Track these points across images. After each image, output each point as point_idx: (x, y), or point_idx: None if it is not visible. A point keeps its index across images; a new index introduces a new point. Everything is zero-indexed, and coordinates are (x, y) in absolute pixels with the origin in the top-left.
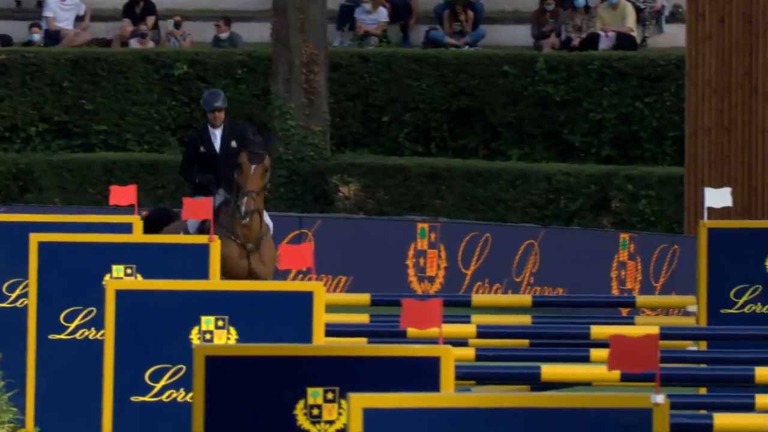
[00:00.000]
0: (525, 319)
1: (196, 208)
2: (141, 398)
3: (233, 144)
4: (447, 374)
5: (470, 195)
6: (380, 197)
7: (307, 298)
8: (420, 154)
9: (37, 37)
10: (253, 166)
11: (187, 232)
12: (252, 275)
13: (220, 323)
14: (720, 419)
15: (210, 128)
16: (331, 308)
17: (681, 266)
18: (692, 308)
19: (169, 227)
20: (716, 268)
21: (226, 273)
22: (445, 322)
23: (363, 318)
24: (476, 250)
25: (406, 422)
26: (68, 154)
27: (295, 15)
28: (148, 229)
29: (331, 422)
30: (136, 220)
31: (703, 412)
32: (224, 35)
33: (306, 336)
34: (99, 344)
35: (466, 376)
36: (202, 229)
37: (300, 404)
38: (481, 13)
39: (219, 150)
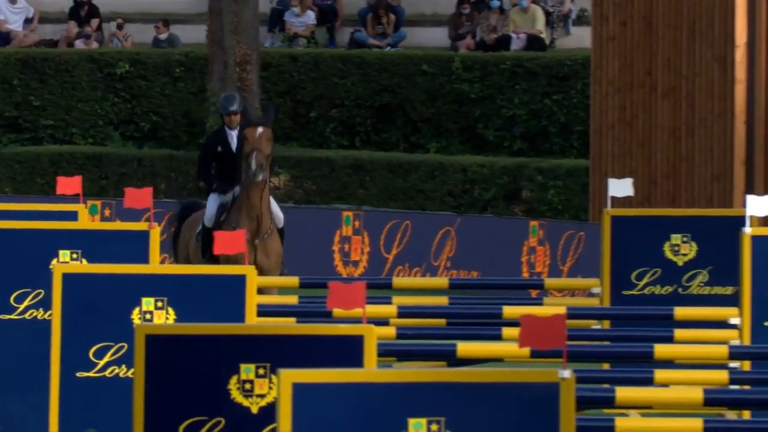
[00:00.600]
0: (442, 300)
1: (137, 197)
2: (86, 374)
3: None
4: (370, 351)
5: (392, 185)
6: (308, 187)
7: (239, 281)
8: (345, 148)
9: None
10: (258, 130)
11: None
12: (258, 267)
13: (160, 304)
14: (622, 393)
15: (227, 129)
16: (263, 290)
17: (586, 251)
18: (596, 290)
19: (191, 217)
20: (618, 253)
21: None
22: (368, 303)
23: (292, 299)
24: (397, 236)
25: (332, 396)
26: (18, 147)
27: (229, 18)
28: (180, 217)
29: (262, 396)
30: (81, 209)
31: (606, 386)
32: (163, 36)
33: (239, 316)
34: (47, 324)
35: (387, 353)
36: (218, 222)
37: (233, 379)
38: (402, 16)
39: (236, 149)
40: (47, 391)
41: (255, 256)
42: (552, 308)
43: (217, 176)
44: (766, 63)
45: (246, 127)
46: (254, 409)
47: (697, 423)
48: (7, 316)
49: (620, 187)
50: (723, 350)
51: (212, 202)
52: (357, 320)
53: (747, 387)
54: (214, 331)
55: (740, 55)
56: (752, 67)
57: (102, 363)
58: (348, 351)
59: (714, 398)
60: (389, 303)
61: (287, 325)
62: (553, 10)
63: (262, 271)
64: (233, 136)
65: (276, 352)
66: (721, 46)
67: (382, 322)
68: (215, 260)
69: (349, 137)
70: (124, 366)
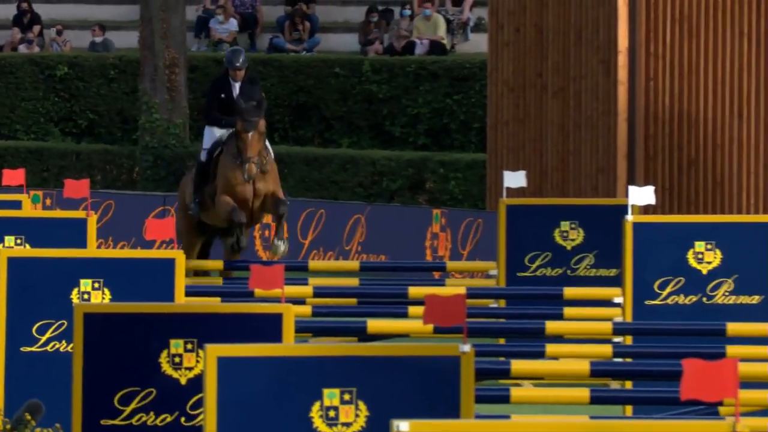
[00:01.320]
0: (353, 282)
1: (75, 188)
2: (29, 349)
3: (249, 92)
4: (288, 328)
5: (307, 177)
6: None
7: (169, 264)
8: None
9: None
10: (249, 134)
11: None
12: (257, 195)
13: (96, 285)
14: (516, 365)
15: (230, 80)
16: (190, 272)
17: (484, 237)
18: (493, 272)
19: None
20: (513, 239)
21: (234, 197)
22: (287, 284)
23: (217, 281)
24: (312, 223)
25: (253, 368)
26: None
27: (159, 24)
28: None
29: (190, 368)
30: (25, 198)
31: (502, 359)
32: (99, 40)
33: (169, 296)
34: None
35: (304, 329)
36: (212, 157)
37: (164, 353)
38: (316, 23)
39: (237, 96)
40: None
41: (254, 186)
42: (453, 289)
43: (221, 124)
44: (645, 67)
45: (242, 124)
46: (183, 381)
47: (584, 392)
48: None
49: (514, 179)
50: (607, 326)
51: (207, 137)
52: (276, 300)
53: (629, 359)
54: (146, 310)
55: (622, 59)
56: (633, 70)
57: (44, 339)
58: (268, 327)
59: (599, 370)
60: (305, 284)
61: (213, 304)
62: (453, 18)
63: (264, 195)
64: (236, 86)
65: (202, 329)
66: (605, 52)
67: (299, 301)
68: (204, 197)
69: (269, 133)
70: (64, 341)
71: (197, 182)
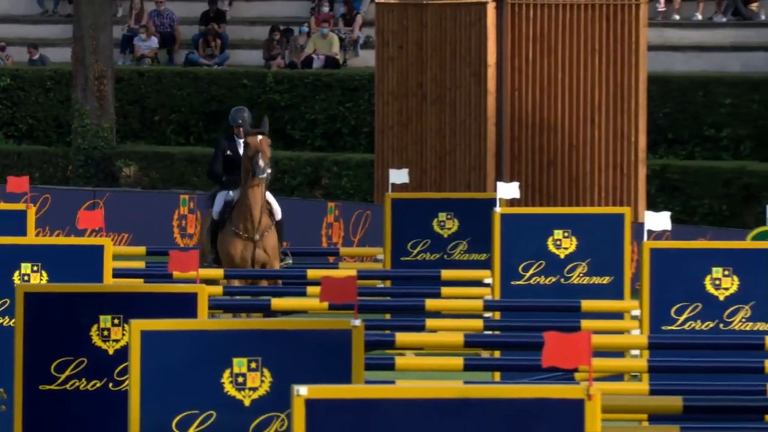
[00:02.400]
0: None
1: (17, 184)
2: None
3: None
4: (203, 305)
5: None
6: (153, 176)
7: (99, 250)
8: (182, 144)
9: None
10: (258, 137)
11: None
12: (255, 263)
13: (35, 268)
14: (400, 337)
15: (235, 138)
16: (117, 257)
17: (372, 226)
18: (380, 257)
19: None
20: (397, 228)
21: (233, 265)
22: (202, 266)
23: (140, 264)
24: None
25: (172, 340)
26: None
27: (89, 42)
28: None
29: (117, 340)
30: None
31: (387, 332)
32: (36, 57)
33: (98, 277)
34: None
35: (216, 306)
36: (224, 218)
37: (94, 328)
38: (227, 40)
39: (242, 155)
40: None
41: (254, 251)
42: (345, 271)
43: (225, 175)
44: (511, 79)
45: (247, 135)
46: (110, 351)
47: (459, 361)
48: None
49: (398, 176)
50: (479, 304)
51: (220, 198)
52: (192, 281)
53: (497, 332)
54: (78, 289)
55: (491, 72)
56: (500, 82)
57: None
58: (185, 305)
59: (472, 341)
60: (218, 266)
61: (137, 285)
62: (346, 37)
63: (262, 265)
64: (240, 143)
65: (128, 306)
66: (476, 66)
67: (212, 282)
68: (218, 254)
69: (185, 136)
70: (7, 317)
71: (212, 239)
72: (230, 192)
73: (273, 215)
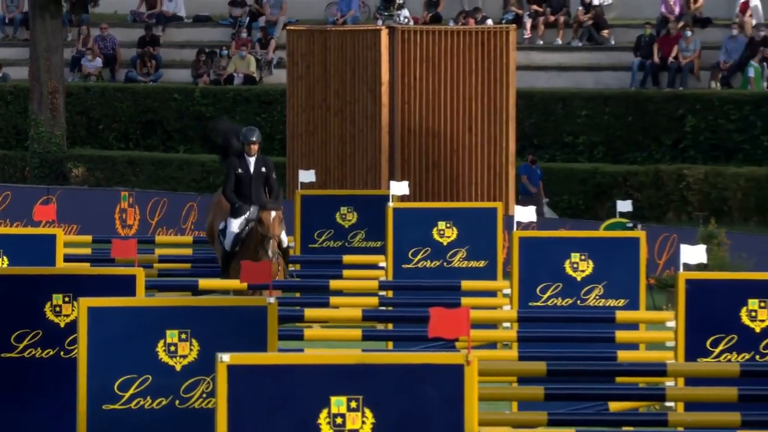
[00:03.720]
0: (188, 251)
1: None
2: None
3: (263, 169)
4: (140, 286)
5: (154, 175)
6: (98, 176)
7: (52, 238)
8: (122, 149)
9: None
10: (272, 216)
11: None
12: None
13: None
14: (308, 312)
15: (246, 156)
16: (67, 245)
17: (284, 219)
18: (291, 244)
19: (217, 197)
20: (305, 220)
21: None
22: (139, 253)
23: (87, 250)
24: (158, 208)
25: (114, 315)
26: None
27: (44, 62)
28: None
29: (67, 315)
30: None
31: (297, 308)
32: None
33: (52, 262)
34: None
35: (152, 286)
36: (234, 251)
37: (48, 304)
38: (161, 61)
39: (252, 173)
40: None
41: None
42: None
43: (236, 193)
44: (401, 94)
45: (262, 209)
46: (62, 324)
47: (358, 332)
48: None
49: (307, 176)
50: (375, 284)
51: (232, 227)
52: (131, 264)
53: (390, 308)
54: (35, 272)
55: (385, 88)
56: (392, 96)
57: None
58: (125, 285)
59: (369, 315)
60: (153, 253)
61: (84, 267)
62: (261, 58)
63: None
64: (251, 162)
65: (77, 286)
66: (372, 83)
67: (149, 265)
68: (230, 274)
69: (125, 142)
70: None
71: (223, 266)
72: (244, 225)
73: (281, 243)
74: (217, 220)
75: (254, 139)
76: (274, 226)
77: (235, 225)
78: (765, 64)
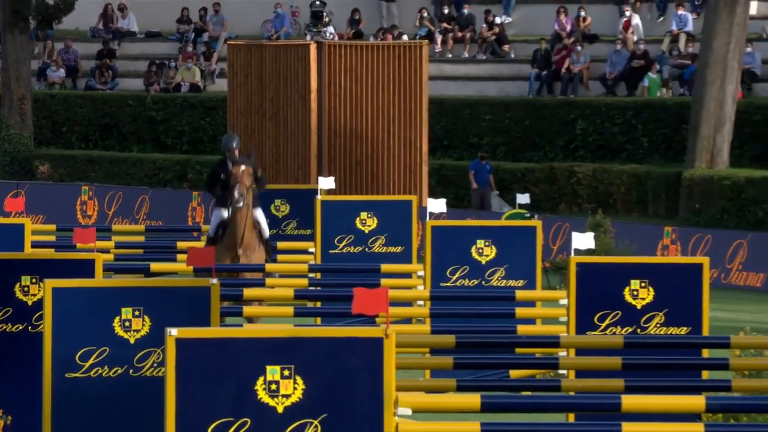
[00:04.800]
0: (141, 238)
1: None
2: None
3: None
4: (98, 269)
5: (111, 171)
6: (62, 172)
7: (21, 227)
8: (83, 149)
9: None
10: (241, 167)
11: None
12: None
13: None
14: (247, 292)
15: (228, 162)
16: (34, 233)
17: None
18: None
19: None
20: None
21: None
22: (98, 240)
23: (52, 238)
24: (114, 201)
25: (75, 295)
26: None
27: (13, 72)
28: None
29: (34, 295)
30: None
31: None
32: None
33: (20, 247)
34: None
35: (109, 269)
36: (216, 235)
37: (17, 285)
38: (117, 71)
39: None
40: None
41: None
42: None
43: (218, 196)
44: (328, 101)
45: (233, 164)
46: (30, 303)
47: (290, 309)
48: None
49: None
50: (305, 267)
51: (214, 218)
52: (90, 250)
53: (319, 288)
54: (5, 257)
55: (313, 96)
56: (320, 103)
57: None
58: (86, 268)
59: (300, 295)
60: (110, 240)
61: (49, 253)
62: (205, 69)
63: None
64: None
65: (42, 269)
66: (303, 91)
67: (106, 251)
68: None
69: (86, 143)
70: None
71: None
72: (224, 212)
73: (261, 234)
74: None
75: (234, 145)
76: (243, 176)
77: (219, 214)
78: (660, 74)
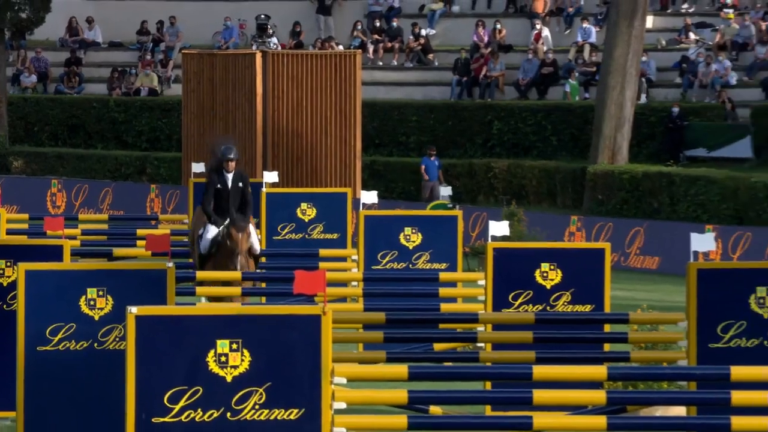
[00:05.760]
0: (105, 226)
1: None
2: None
3: (240, 184)
4: (66, 254)
5: (79, 166)
6: (34, 167)
7: None
8: (53, 146)
9: None
10: (240, 234)
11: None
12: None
13: None
14: (199, 274)
15: (224, 172)
16: (9, 221)
17: (180, 201)
18: (186, 221)
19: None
20: (196, 202)
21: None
22: (66, 227)
23: (25, 225)
24: (81, 193)
25: (46, 277)
26: None
27: None
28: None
29: (9, 277)
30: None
31: (190, 270)
32: None
33: None
34: None
35: (76, 254)
36: (210, 253)
37: None
38: (83, 77)
39: (230, 188)
40: None
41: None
42: (162, 230)
43: (214, 206)
44: (272, 103)
45: (232, 226)
46: (5, 284)
47: (238, 289)
48: None
49: (198, 167)
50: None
51: (208, 234)
52: (59, 237)
53: (263, 270)
54: None
55: (259, 99)
56: (265, 106)
57: None
58: (55, 253)
59: (247, 276)
60: (76, 228)
61: (22, 239)
62: (162, 75)
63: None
64: (229, 177)
65: (16, 253)
66: (249, 94)
67: (73, 237)
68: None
69: (55, 141)
70: None
71: (200, 266)
72: (218, 231)
73: (252, 250)
74: (197, 227)
75: (231, 156)
76: (242, 242)
77: (212, 232)
78: (578, 80)
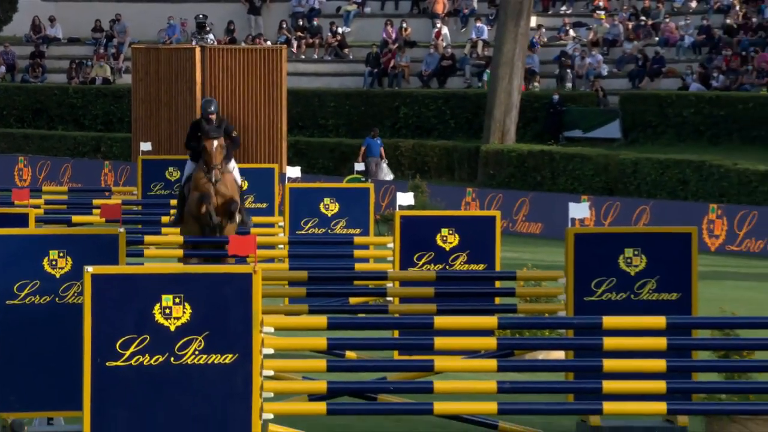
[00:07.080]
0: (64, 197)
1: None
2: None
3: (221, 127)
4: (32, 221)
5: (42, 145)
6: (3, 146)
7: None
8: (20, 128)
9: None
10: (214, 143)
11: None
12: (218, 193)
13: None
14: (147, 238)
15: (204, 123)
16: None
17: (130, 177)
18: (135, 192)
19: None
20: (145, 177)
21: (197, 189)
22: (31, 198)
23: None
24: (44, 168)
25: (13, 241)
26: None
27: None
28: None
29: None
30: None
31: (139, 235)
32: None
33: None
34: None
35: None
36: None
37: None
38: (46, 68)
39: (212, 132)
40: None
41: (216, 188)
42: (115, 200)
43: (193, 151)
44: (210, 92)
45: (206, 139)
46: None
47: (180, 252)
48: None
49: (146, 146)
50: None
51: (187, 170)
52: (25, 206)
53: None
54: None
55: (198, 88)
56: (203, 93)
57: None
58: (21, 221)
59: (189, 240)
60: (40, 198)
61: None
62: (114, 66)
63: (225, 197)
64: (207, 128)
65: None
66: (190, 83)
67: (38, 207)
68: (182, 213)
69: (22, 123)
70: None
71: (179, 202)
72: (195, 166)
73: (228, 166)
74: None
75: (212, 109)
76: (216, 154)
77: (191, 167)
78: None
